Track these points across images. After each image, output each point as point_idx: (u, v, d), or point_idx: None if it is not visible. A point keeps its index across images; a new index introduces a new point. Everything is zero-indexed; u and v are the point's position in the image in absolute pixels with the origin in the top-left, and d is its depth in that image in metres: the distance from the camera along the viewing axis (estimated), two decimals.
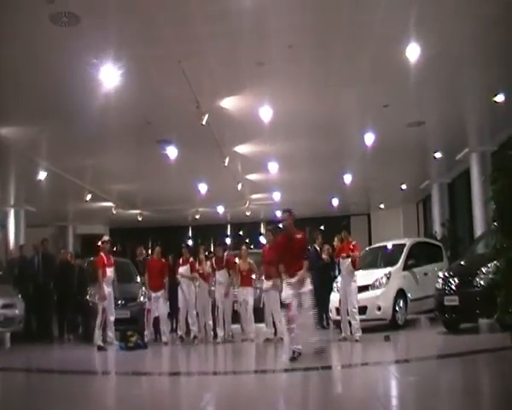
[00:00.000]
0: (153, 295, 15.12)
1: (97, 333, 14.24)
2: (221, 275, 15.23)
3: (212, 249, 15.66)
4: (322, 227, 26.76)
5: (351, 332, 13.19)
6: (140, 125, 15.92)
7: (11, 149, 17.22)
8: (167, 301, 15.79)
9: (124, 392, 9.30)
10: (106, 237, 15.63)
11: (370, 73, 13.10)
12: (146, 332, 15.01)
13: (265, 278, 14.26)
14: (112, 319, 14.55)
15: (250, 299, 15.00)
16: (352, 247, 13.65)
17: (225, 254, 15.94)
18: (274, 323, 14.29)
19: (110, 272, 14.63)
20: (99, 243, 15.09)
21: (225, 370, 11.56)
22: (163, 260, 15.94)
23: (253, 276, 15.35)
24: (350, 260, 13.39)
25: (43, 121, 15.23)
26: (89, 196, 23.74)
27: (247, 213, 30.94)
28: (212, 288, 15.31)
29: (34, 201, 24.94)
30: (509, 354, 10.11)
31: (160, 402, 8.34)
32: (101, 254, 14.80)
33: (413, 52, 11.52)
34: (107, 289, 14.47)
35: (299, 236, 11.22)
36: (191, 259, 15.53)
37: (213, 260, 15.59)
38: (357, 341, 12.89)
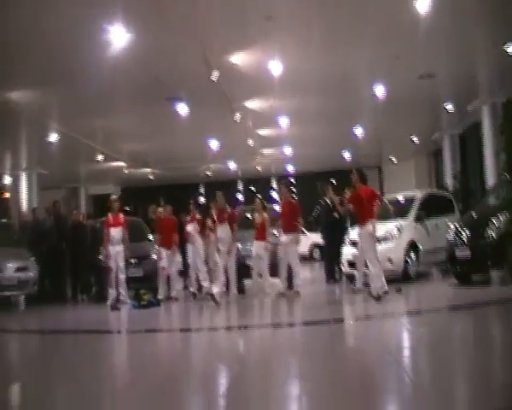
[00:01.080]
0: (166, 252, 15.13)
1: (109, 292, 14.46)
2: (222, 230, 14.26)
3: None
4: (333, 181, 26.53)
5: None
6: (150, 84, 15.87)
7: (22, 114, 17.25)
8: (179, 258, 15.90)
9: (136, 350, 9.42)
10: (113, 196, 15.64)
11: (381, 26, 12.95)
12: (160, 290, 15.01)
13: (284, 232, 14.13)
14: (123, 277, 14.67)
15: (264, 253, 14.58)
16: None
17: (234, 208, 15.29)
18: (287, 277, 14.21)
19: (115, 231, 14.69)
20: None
21: (238, 324, 11.63)
22: (173, 217, 15.76)
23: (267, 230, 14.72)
24: None
25: (53, 84, 15.24)
26: (100, 157, 23.80)
27: (259, 169, 30.96)
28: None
29: (46, 164, 25.11)
30: None
31: (173, 359, 8.44)
32: (109, 214, 14.93)
33: (423, 3, 11.37)
34: (115, 249, 14.59)
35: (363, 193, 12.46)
36: (198, 216, 15.44)
37: (214, 212, 14.75)
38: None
